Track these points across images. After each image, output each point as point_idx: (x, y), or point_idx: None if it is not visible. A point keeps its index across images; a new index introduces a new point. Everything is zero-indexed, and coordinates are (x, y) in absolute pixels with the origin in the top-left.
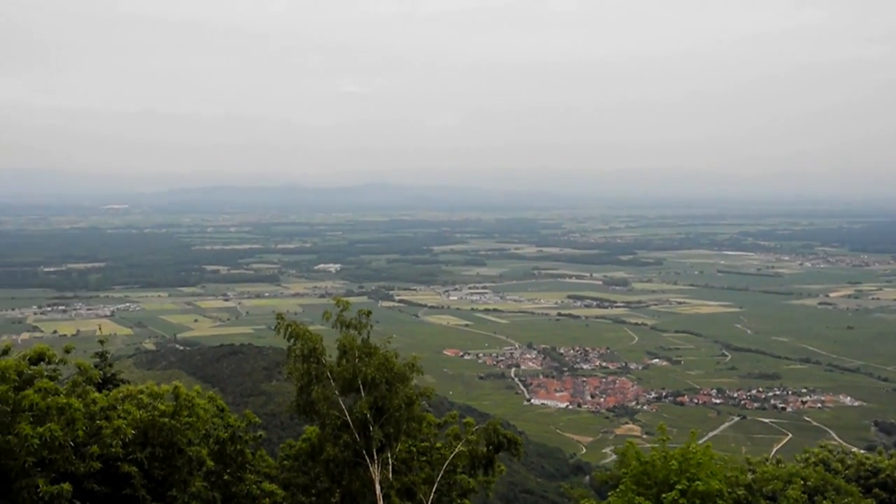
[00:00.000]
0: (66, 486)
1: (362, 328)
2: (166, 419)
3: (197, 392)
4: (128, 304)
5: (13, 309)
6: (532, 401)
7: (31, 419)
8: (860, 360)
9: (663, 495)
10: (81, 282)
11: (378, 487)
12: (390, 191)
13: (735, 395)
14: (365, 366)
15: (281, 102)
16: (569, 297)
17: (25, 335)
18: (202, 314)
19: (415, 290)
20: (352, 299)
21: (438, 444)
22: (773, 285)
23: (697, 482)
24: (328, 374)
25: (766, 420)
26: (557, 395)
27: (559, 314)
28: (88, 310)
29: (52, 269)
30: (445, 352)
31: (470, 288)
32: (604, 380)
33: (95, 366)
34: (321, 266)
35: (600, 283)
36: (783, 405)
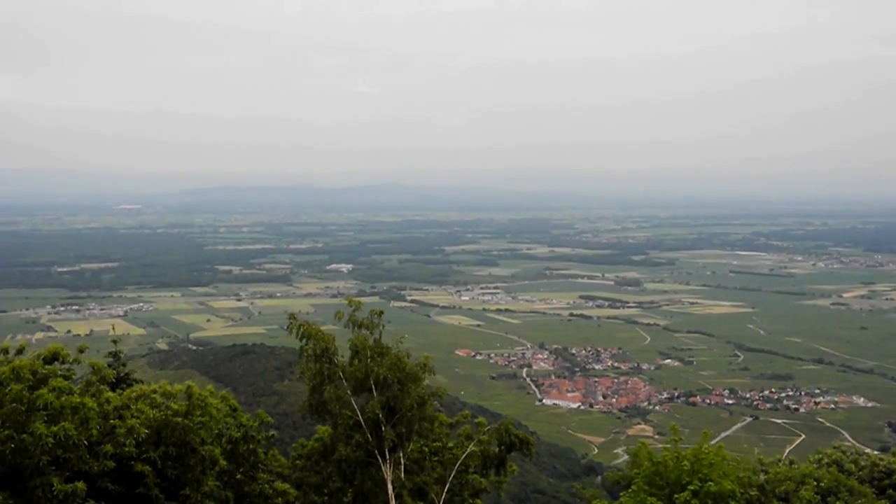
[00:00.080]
0: (81, 484)
1: (374, 328)
2: (179, 419)
3: (210, 392)
4: (141, 304)
5: (27, 309)
6: (544, 401)
7: (46, 418)
8: (874, 360)
9: (675, 496)
10: (95, 282)
11: (390, 487)
12: (402, 191)
13: (747, 395)
14: (377, 366)
15: (293, 103)
16: (581, 297)
17: (40, 335)
18: (214, 314)
19: (426, 290)
20: (364, 299)
21: (450, 444)
22: (786, 285)
23: (710, 483)
24: (340, 373)
25: (779, 421)
26: (569, 395)
27: (571, 314)
28: (102, 310)
29: (65, 269)
30: (457, 352)
31: (482, 288)
32: (616, 380)
33: (109, 365)
34: (333, 266)
35: (612, 283)
36: (796, 406)
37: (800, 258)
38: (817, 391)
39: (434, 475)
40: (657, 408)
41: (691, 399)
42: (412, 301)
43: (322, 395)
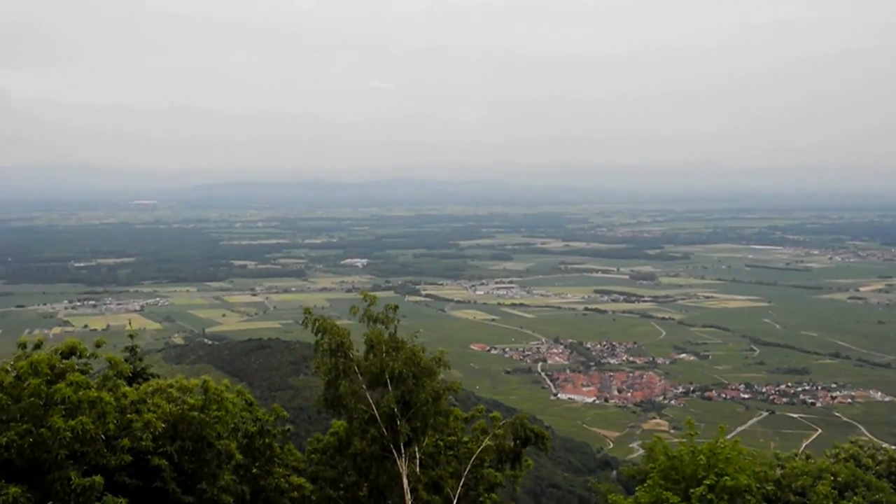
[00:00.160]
0: (98, 478)
1: (389, 323)
2: (196, 413)
3: (225, 386)
4: (157, 299)
5: (45, 304)
6: (559, 395)
7: (64, 412)
8: (891, 354)
9: (691, 490)
10: (111, 277)
11: (405, 481)
12: (416, 185)
13: (763, 389)
14: (392, 360)
15: (309, 98)
16: (595, 291)
17: (57, 329)
18: (230, 309)
19: (441, 284)
20: (378, 294)
21: (465, 439)
22: (802, 280)
23: (726, 477)
24: (355, 368)
25: (795, 415)
26: (584, 389)
27: (586, 309)
28: (118, 304)
29: (82, 265)
30: (472, 346)
31: (496, 282)
32: (631, 374)
33: (125, 360)
34: (348, 261)
35: (627, 277)
36: (812, 400)
37: (816, 252)
38: (834, 385)
39: (449, 469)
40: (672, 402)
41: (707, 393)
42: (427, 296)
43: (337, 389)
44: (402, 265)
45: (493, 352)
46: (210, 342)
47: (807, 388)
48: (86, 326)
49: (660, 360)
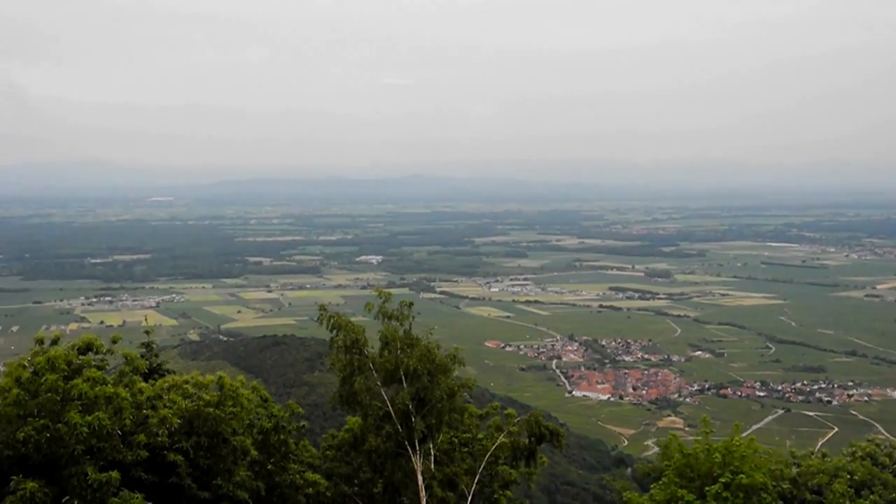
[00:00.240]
0: (115, 473)
1: (404, 319)
2: (211, 409)
3: (241, 382)
4: (172, 296)
5: (61, 300)
6: (573, 392)
7: (80, 408)
8: None
9: (706, 488)
10: (127, 273)
11: (420, 478)
12: (431, 182)
13: (779, 387)
14: (407, 357)
15: (324, 95)
16: (611, 288)
17: (73, 325)
18: (245, 305)
19: (456, 281)
20: (393, 291)
21: (480, 436)
22: (819, 277)
23: (741, 475)
24: (370, 365)
25: (811, 413)
26: (599, 387)
27: (601, 306)
28: (134, 301)
29: (98, 261)
30: (487, 343)
31: (511, 279)
32: (646, 372)
33: (141, 356)
34: (363, 258)
35: (642, 274)
36: (829, 398)
37: (832, 249)
38: (850, 384)
39: (464, 466)
40: (688, 400)
41: (722, 391)
42: (441, 292)
43: (352, 386)
44: (417, 262)
45: (507, 349)
46: (225, 339)
47: (823, 386)
48: (102, 323)
49: (675, 358)
